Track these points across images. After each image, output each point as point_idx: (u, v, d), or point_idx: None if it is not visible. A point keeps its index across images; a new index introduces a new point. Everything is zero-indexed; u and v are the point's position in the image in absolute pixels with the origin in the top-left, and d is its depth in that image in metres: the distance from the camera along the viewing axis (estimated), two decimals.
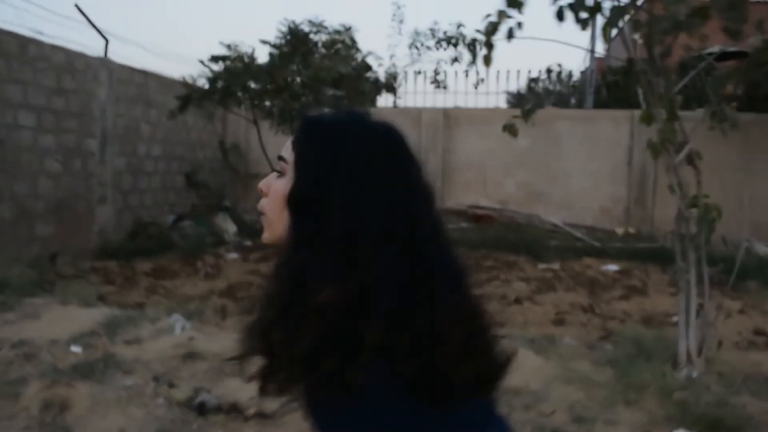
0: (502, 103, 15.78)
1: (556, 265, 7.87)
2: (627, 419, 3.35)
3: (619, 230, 9.59)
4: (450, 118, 10.09)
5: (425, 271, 0.88)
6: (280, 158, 0.99)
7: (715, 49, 13.54)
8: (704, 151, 10.07)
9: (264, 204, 1.00)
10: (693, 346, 4.00)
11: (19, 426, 2.93)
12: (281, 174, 0.98)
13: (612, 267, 8.07)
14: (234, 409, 3.25)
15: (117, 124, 8.13)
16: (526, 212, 9.81)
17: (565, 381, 3.67)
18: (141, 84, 8.65)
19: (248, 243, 8.82)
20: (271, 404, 3.27)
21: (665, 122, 3.82)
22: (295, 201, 0.92)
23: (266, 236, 1.00)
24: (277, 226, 0.96)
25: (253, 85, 8.00)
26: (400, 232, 0.89)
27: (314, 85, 7.24)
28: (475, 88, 11.28)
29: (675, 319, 5.42)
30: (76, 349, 3.82)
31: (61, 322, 4.25)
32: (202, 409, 3.20)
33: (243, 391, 3.42)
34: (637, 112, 9.77)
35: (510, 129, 5.16)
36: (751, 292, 6.66)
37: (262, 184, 1.00)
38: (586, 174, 9.78)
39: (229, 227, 9.12)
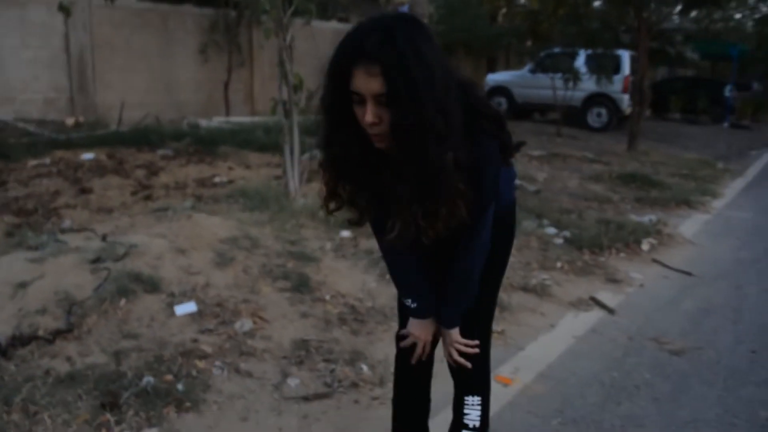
0: None
1: (46, 160, 7.47)
2: (302, 234, 4.44)
3: (69, 120, 9.46)
4: None
5: (476, 109, 1.51)
6: (379, 95, 1.33)
7: None
8: (133, 41, 10.87)
9: (380, 130, 1.38)
10: (297, 182, 5.27)
11: None
12: (381, 103, 1.34)
13: (88, 156, 8.17)
14: (22, 338, 2.75)
15: None
16: None
17: (255, 224, 4.43)
18: None
19: None
20: (52, 322, 2.92)
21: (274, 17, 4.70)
22: (427, 121, 1.34)
23: (384, 146, 1.42)
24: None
25: None
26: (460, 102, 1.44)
27: None
28: None
29: (218, 179, 6.56)
30: None
31: None
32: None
33: None
34: None
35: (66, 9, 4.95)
36: (230, 153, 8.15)
37: (374, 118, 1.35)
38: (23, 64, 9.03)
39: None
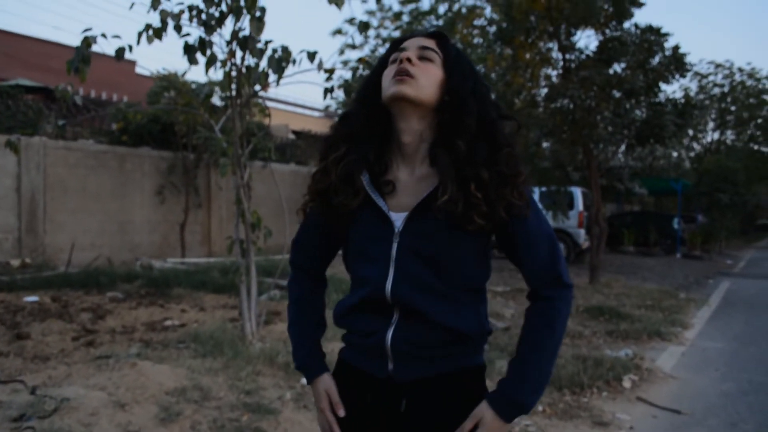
0: None
1: None
2: (259, 383, 4.03)
3: (15, 262, 9.01)
4: None
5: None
6: (427, 48, 1.37)
7: (22, 81, 14.14)
8: (88, 182, 10.77)
9: (416, 72, 1.34)
10: (255, 325, 4.92)
11: None
12: (426, 59, 1.36)
13: (31, 298, 7.67)
14: None
15: None
16: None
17: (208, 372, 4.01)
18: None
19: None
20: None
21: (231, 155, 4.62)
22: (478, 92, 1.39)
23: (409, 92, 1.33)
24: (427, 91, 1.34)
25: None
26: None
27: None
28: None
29: (169, 323, 6.15)
30: None
31: None
32: None
33: None
34: (27, 139, 9.39)
35: (14, 146, 4.81)
36: (184, 295, 7.77)
37: (413, 56, 1.35)
38: None
39: None
